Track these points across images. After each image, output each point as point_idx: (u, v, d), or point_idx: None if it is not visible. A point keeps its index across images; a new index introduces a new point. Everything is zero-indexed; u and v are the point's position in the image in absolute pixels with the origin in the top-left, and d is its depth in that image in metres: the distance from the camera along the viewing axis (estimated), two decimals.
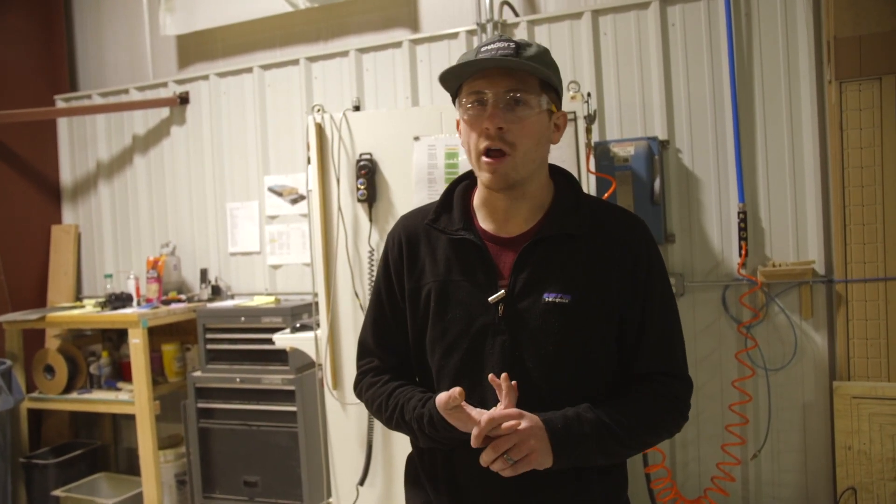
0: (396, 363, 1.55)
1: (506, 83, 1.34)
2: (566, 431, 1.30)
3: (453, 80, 1.41)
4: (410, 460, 1.58)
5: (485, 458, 1.25)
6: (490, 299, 1.38)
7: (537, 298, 1.37)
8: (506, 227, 1.44)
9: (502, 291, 1.38)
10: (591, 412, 1.33)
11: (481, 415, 1.27)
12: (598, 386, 1.41)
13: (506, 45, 1.36)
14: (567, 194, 1.47)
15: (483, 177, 1.39)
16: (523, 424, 1.25)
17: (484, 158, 1.36)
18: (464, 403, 1.29)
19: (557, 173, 1.52)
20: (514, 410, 1.27)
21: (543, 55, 1.38)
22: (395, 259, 1.52)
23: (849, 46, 2.86)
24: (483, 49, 1.37)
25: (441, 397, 1.30)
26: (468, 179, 1.54)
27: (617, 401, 1.39)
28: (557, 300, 1.36)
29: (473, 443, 1.26)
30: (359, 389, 1.58)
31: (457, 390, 1.27)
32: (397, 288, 1.52)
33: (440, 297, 1.43)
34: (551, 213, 1.44)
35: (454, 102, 1.44)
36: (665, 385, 1.42)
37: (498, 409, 1.28)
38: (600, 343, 1.40)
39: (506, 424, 1.24)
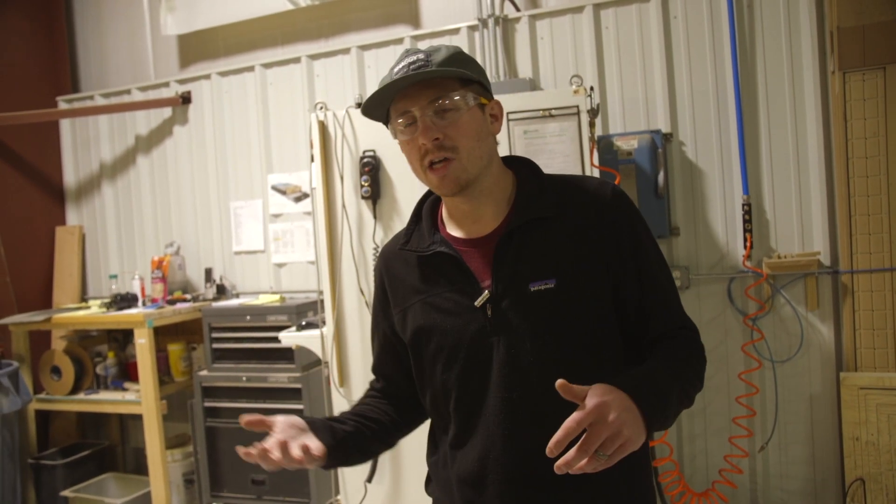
0: (388, 389, 1.60)
1: (427, 94, 1.33)
2: (652, 395, 1.19)
3: (379, 110, 1.40)
4: (428, 476, 1.58)
5: (571, 460, 1.10)
6: (476, 303, 1.37)
7: (523, 291, 1.35)
8: (475, 228, 1.43)
9: (486, 293, 1.37)
10: (651, 366, 1.30)
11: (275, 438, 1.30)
12: (599, 363, 1.38)
13: (415, 58, 1.34)
14: (529, 180, 1.45)
15: (434, 188, 1.39)
16: (613, 415, 1.11)
17: (429, 171, 1.35)
18: (271, 426, 1.34)
19: (515, 162, 1.50)
20: (595, 401, 1.12)
21: (455, 54, 1.37)
22: (381, 290, 1.55)
23: (852, 36, 2.85)
24: (396, 70, 1.35)
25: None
26: (433, 194, 1.53)
27: (657, 355, 1.36)
28: (543, 287, 1.35)
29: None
30: None
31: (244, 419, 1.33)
32: (384, 317, 1.55)
33: (427, 314, 1.43)
34: (517, 203, 1.42)
35: (388, 128, 1.43)
36: (683, 337, 1.41)
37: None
38: (596, 319, 1.38)
39: (583, 416, 1.10)
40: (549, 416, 1.34)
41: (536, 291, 1.35)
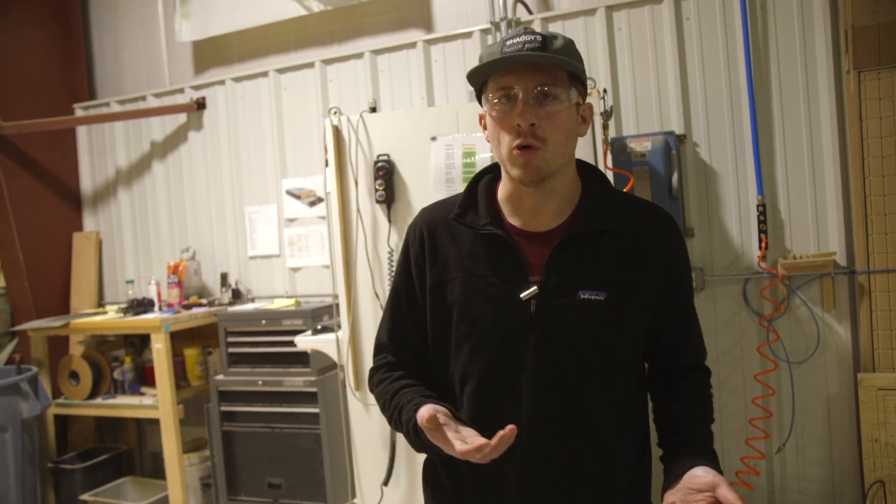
0: (412, 360, 1.51)
1: (535, 78, 1.31)
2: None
3: (479, 76, 1.38)
4: (429, 465, 1.55)
5: None
6: (522, 296, 1.35)
7: (572, 296, 1.35)
8: (534, 222, 1.41)
9: (535, 288, 1.35)
10: (705, 439, 1.43)
11: (458, 438, 1.21)
12: (626, 379, 1.42)
13: (532, 37, 1.32)
14: (596, 189, 1.45)
15: (515, 172, 1.35)
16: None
17: (515, 152, 1.32)
18: (444, 422, 1.24)
19: (584, 168, 1.49)
20: (704, 483, 1.23)
21: (570, 46, 1.35)
22: (417, 252, 1.49)
23: (867, 35, 2.83)
24: (509, 42, 1.33)
25: (421, 412, 1.26)
26: (491, 173, 1.50)
27: (694, 409, 1.46)
28: (593, 297, 1.34)
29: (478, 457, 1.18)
30: (371, 384, 1.55)
31: (425, 415, 1.22)
32: (417, 283, 1.49)
33: (467, 292, 1.40)
34: (582, 209, 1.41)
35: (478, 98, 1.41)
36: (704, 379, 1.50)
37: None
38: (632, 338, 1.40)
39: None
40: (577, 418, 1.36)
41: (586, 300, 1.35)
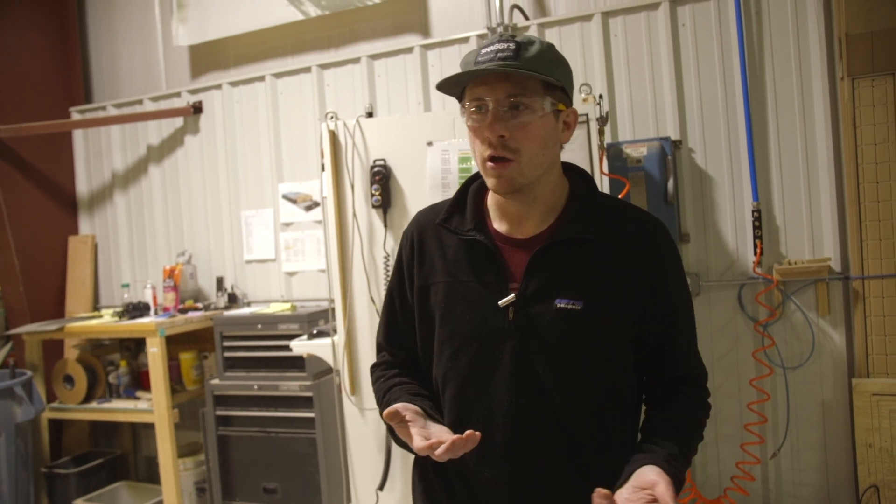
0: (406, 360, 1.54)
1: (505, 88, 1.29)
2: (678, 477, 1.26)
3: (449, 87, 1.37)
4: (419, 458, 1.55)
5: None
6: (500, 303, 1.36)
7: (549, 304, 1.34)
8: (519, 228, 1.41)
9: (512, 295, 1.35)
10: (670, 444, 1.30)
11: (421, 434, 1.24)
12: (609, 389, 1.39)
13: (505, 45, 1.30)
14: (582, 195, 1.43)
15: (489, 182, 1.36)
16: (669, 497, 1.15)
17: (489, 164, 1.33)
18: (410, 419, 1.27)
19: (572, 171, 1.48)
20: (648, 482, 1.19)
21: (546, 53, 1.33)
22: (408, 256, 1.51)
23: (861, 43, 2.85)
24: (483, 51, 1.32)
25: (388, 409, 1.28)
26: (482, 178, 1.49)
27: (672, 416, 1.39)
28: (569, 306, 1.33)
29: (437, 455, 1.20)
30: (371, 381, 1.59)
31: (389, 411, 1.26)
32: (408, 285, 1.51)
33: (449, 297, 1.41)
34: (565, 216, 1.40)
35: (459, 106, 1.41)
36: (696, 393, 1.44)
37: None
38: (613, 348, 1.38)
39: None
40: (555, 426, 1.36)
41: (562, 309, 1.34)
